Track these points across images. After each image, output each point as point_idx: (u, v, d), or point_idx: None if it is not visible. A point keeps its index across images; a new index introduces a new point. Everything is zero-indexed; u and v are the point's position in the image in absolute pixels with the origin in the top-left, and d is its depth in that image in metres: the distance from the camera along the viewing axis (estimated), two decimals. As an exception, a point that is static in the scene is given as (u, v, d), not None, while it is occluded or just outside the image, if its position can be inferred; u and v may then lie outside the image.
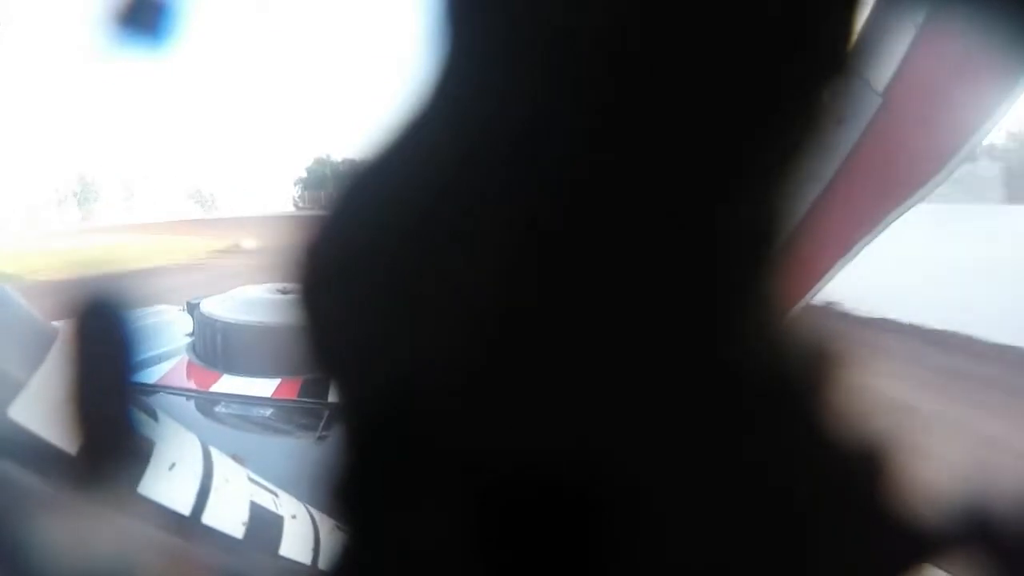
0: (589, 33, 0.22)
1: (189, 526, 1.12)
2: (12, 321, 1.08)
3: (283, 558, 1.27)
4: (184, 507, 1.14)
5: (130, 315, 0.72)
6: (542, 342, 0.23)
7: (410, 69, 0.24)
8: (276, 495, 1.38)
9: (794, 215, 0.24)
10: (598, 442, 0.23)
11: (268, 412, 2.09)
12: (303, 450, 1.86)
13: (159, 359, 2.40)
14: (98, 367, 0.73)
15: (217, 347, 2.40)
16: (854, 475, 0.26)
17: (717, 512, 0.24)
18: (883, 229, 0.99)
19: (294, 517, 1.35)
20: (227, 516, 1.21)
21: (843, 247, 0.99)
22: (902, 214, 0.98)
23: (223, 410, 2.10)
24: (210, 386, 2.25)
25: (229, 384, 2.26)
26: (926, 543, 0.27)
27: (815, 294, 0.95)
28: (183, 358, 2.47)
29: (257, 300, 2.45)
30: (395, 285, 0.24)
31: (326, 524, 1.25)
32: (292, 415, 2.07)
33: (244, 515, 1.25)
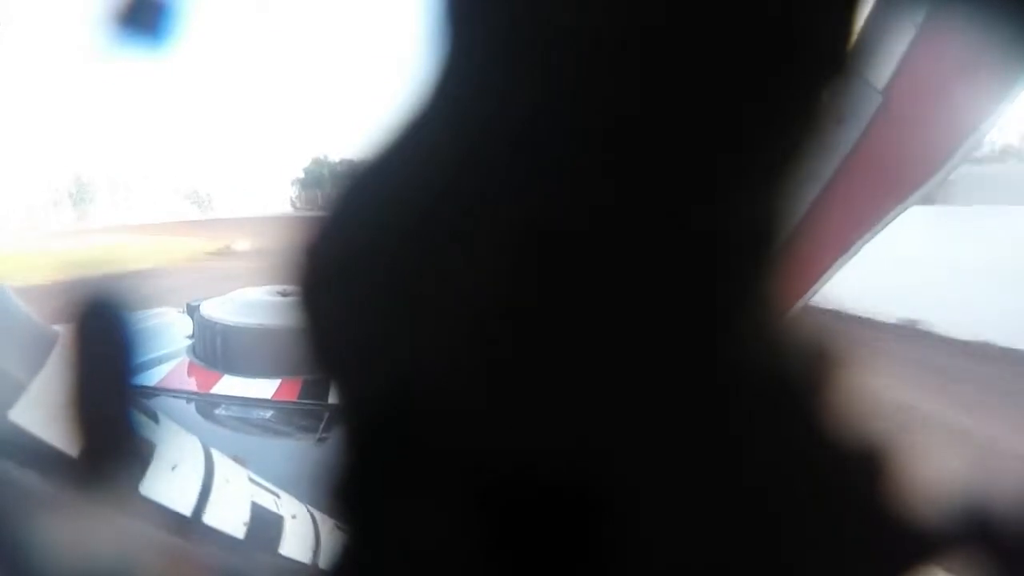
0: (589, 33, 0.22)
1: (190, 526, 1.13)
2: (13, 323, 1.08)
3: (284, 558, 1.27)
4: (185, 508, 1.14)
5: (130, 317, 0.72)
6: (542, 342, 0.23)
7: (410, 69, 0.24)
8: (277, 495, 1.38)
9: (794, 214, 0.24)
10: (598, 442, 0.23)
11: (268, 414, 2.09)
12: (304, 451, 1.86)
13: (159, 361, 2.40)
14: (99, 369, 0.73)
15: (217, 349, 2.40)
16: (853, 475, 0.26)
17: (717, 512, 0.24)
18: (883, 228, 0.99)
19: (295, 517, 1.35)
20: (228, 516, 1.21)
21: (843, 246, 0.99)
22: (902, 213, 0.98)
23: (224, 412, 2.10)
24: (211, 388, 2.25)
25: (229, 386, 2.26)
26: (926, 543, 0.27)
27: (815, 294, 0.95)
28: (183, 360, 2.47)
29: (257, 302, 2.45)
30: (395, 285, 0.24)
31: (327, 524, 1.25)
32: (292, 416, 2.07)
33: (245, 515, 1.26)
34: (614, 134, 0.22)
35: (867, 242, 0.99)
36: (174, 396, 2.15)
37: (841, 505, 0.26)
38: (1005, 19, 0.38)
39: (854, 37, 0.24)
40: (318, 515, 1.34)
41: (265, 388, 2.20)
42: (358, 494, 0.26)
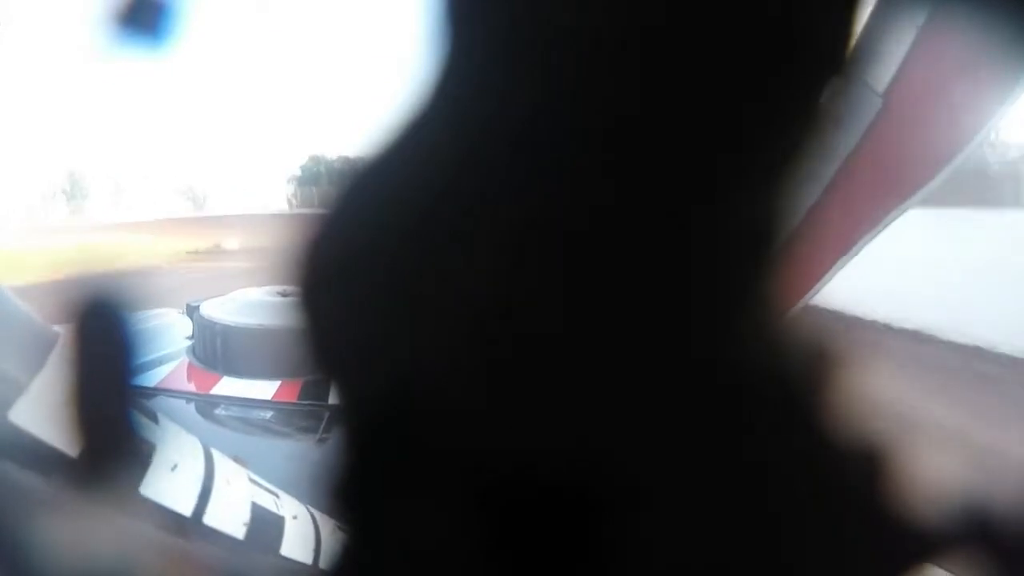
0: (589, 33, 0.22)
1: (191, 527, 1.13)
2: (12, 323, 1.08)
3: (284, 558, 1.27)
4: (186, 508, 1.14)
5: (130, 318, 0.72)
6: (542, 342, 0.23)
7: (410, 69, 0.24)
8: (277, 496, 1.38)
9: (794, 215, 0.24)
10: (597, 442, 0.23)
11: (268, 414, 2.09)
12: (304, 452, 1.86)
13: (159, 362, 2.40)
14: (98, 370, 0.73)
15: (217, 350, 2.41)
16: (853, 475, 0.26)
17: (716, 512, 0.24)
18: (883, 229, 0.99)
19: (295, 518, 1.35)
20: (228, 517, 1.21)
21: (843, 247, 0.99)
22: (902, 214, 0.98)
23: (224, 412, 2.10)
24: (210, 388, 2.26)
25: (229, 386, 2.26)
26: (926, 543, 0.27)
27: (815, 294, 0.95)
28: (183, 361, 2.47)
29: (257, 302, 2.45)
30: (395, 285, 0.24)
31: (327, 525, 1.25)
32: (292, 417, 2.07)
33: (245, 516, 1.26)
34: (614, 134, 0.22)
35: (867, 243, 0.99)
36: (174, 397, 2.15)
37: (841, 505, 0.26)
38: (1005, 20, 0.38)
39: (854, 39, 0.24)
40: (318, 516, 1.34)
41: (265, 388, 2.20)
42: (358, 494, 0.26)
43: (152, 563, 0.98)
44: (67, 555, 0.87)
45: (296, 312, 0.26)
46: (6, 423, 0.94)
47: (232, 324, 2.40)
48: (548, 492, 0.23)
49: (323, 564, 1.24)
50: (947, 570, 0.28)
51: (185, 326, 2.63)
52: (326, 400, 1.85)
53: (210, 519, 1.17)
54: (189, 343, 2.56)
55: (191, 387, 2.29)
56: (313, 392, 2.06)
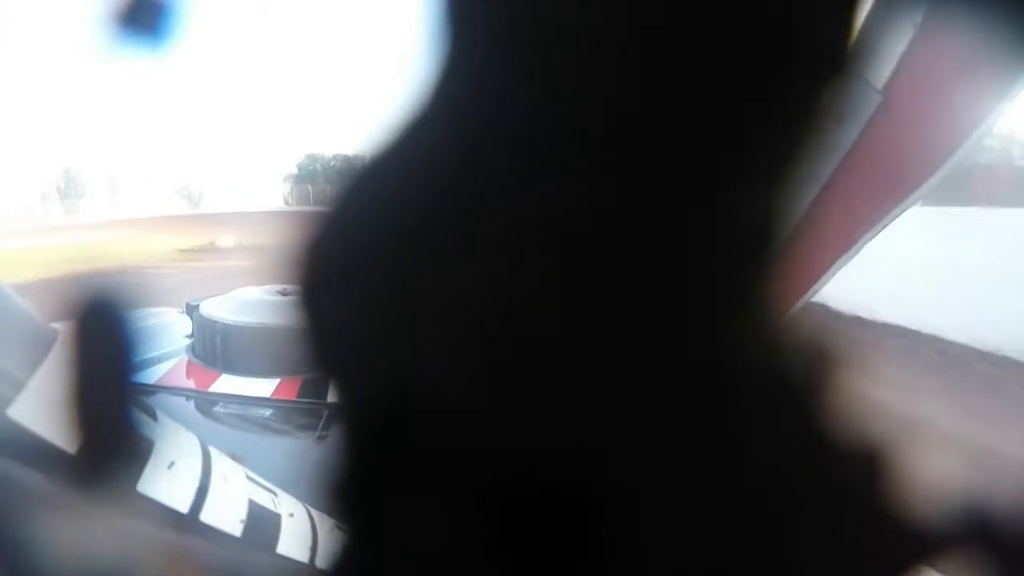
0: (589, 33, 0.22)
1: (188, 524, 1.13)
2: (11, 321, 1.08)
3: (281, 556, 1.27)
4: (183, 505, 1.14)
5: (129, 316, 0.71)
6: (542, 342, 0.23)
7: (410, 69, 0.24)
8: (274, 494, 1.38)
9: (794, 214, 0.24)
10: (597, 442, 0.23)
11: (267, 412, 2.09)
12: (302, 450, 1.86)
13: (159, 360, 2.40)
14: (97, 367, 0.73)
15: (216, 348, 2.41)
16: (853, 475, 0.26)
17: (716, 512, 0.24)
18: (883, 228, 0.99)
19: (292, 516, 1.35)
20: (225, 514, 1.21)
21: (843, 246, 0.99)
22: (902, 213, 0.98)
23: (222, 410, 2.10)
24: (209, 386, 2.26)
25: (228, 384, 2.26)
26: (926, 543, 0.27)
27: (814, 293, 0.95)
28: (183, 358, 2.47)
29: (256, 301, 2.45)
30: (395, 285, 0.24)
31: (325, 523, 1.25)
32: (291, 415, 2.07)
33: (242, 513, 1.25)
34: (614, 134, 0.22)
35: (867, 242, 0.99)
36: (173, 394, 2.15)
37: (841, 505, 0.26)
38: (1005, 19, 0.38)
39: (854, 37, 0.24)
40: (316, 514, 1.34)
41: (264, 386, 2.20)
42: (357, 493, 0.26)
43: (149, 559, 0.98)
44: (65, 551, 0.87)
45: (296, 311, 0.26)
46: (5, 420, 0.94)
47: (232, 322, 2.40)
48: (548, 492, 0.23)
49: (320, 563, 1.24)
50: (947, 570, 0.28)
51: (185, 325, 2.64)
52: (325, 398, 1.85)
53: (207, 516, 1.17)
54: (189, 341, 2.56)
55: (190, 384, 2.30)
56: (312, 390, 2.06)
